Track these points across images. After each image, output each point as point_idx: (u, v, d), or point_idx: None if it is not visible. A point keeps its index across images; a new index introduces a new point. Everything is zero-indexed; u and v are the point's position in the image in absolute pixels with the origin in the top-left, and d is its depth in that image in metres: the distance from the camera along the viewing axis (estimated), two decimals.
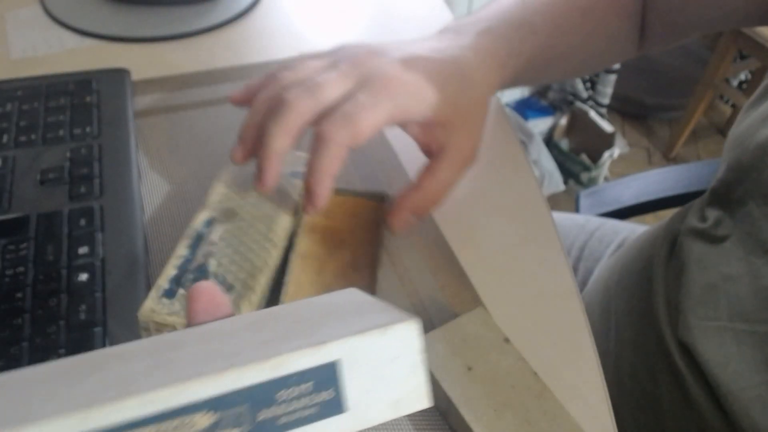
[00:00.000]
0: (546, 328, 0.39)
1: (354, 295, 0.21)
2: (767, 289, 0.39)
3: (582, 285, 0.63)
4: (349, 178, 0.47)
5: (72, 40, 0.59)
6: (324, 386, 0.16)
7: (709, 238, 0.44)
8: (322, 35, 0.62)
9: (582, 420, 0.34)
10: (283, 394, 0.15)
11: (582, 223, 0.70)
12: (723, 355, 0.41)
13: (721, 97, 2.05)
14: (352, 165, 0.48)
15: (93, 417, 0.14)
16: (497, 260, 0.43)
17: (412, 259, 0.42)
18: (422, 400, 0.17)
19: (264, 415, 0.15)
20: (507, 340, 0.36)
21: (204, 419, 0.14)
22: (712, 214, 0.45)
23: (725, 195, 0.44)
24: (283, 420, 0.15)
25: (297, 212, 0.40)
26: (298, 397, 0.15)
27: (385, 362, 0.16)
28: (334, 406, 0.16)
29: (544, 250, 0.44)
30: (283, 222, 0.39)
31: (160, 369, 0.15)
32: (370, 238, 0.41)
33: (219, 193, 0.40)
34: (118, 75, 0.52)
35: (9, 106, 0.48)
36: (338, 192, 0.43)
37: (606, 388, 0.37)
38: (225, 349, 0.16)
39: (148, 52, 0.58)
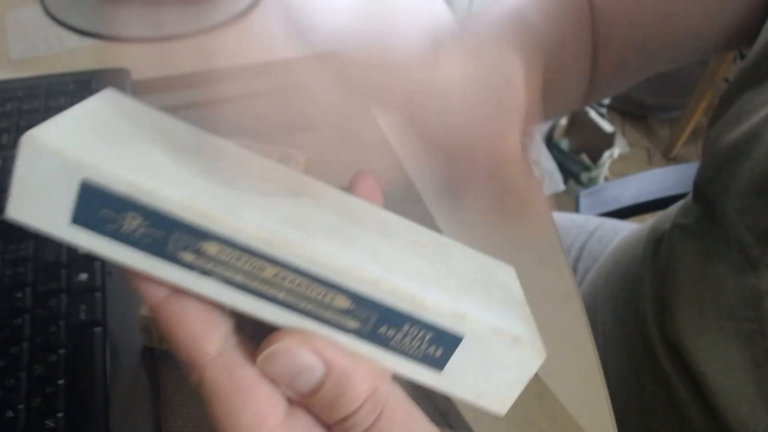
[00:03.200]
0: (546, 328, 0.39)
1: (510, 277, 0.22)
2: (751, 287, 0.39)
3: (582, 285, 0.63)
4: (348, 177, 0.47)
5: (72, 40, 0.59)
6: (439, 343, 0.17)
7: (694, 234, 0.44)
8: (321, 36, 0.62)
9: (582, 420, 0.34)
10: (407, 328, 0.17)
11: (582, 223, 0.70)
12: (711, 353, 0.41)
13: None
14: (352, 164, 0.48)
15: (276, 245, 0.16)
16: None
17: None
18: (500, 408, 0.18)
19: (383, 330, 0.17)
20: None
21: (343, 302, 0.17)
22: (695, 211, 0.45)
23: (704, 192, 0.44)
24: (392, 343, 0.17)
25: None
26: (416, 337, 0.17)
27: (496, 363, 0.18)
28: (434, 363, 0.18)
29: (544, 250, 0.44)
30: None
31: (339, 239, 0.18)
32: None
33: None
34: (118, 75, 0.52)
35: (9, 106, 0.48)
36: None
37: (606, 389, 0.37)
38: (390, 258, 0.18)
39: (148, 52, 0.58)
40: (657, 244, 0.49)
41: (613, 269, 0.54)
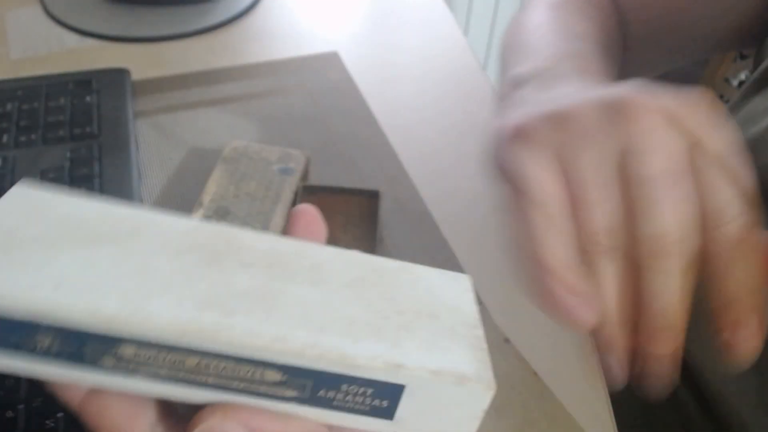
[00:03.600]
0: (546, 328, 0.39)
1: (462, 292, 0.21)
2: None
3: None
4: (348, 176, 0.47)
5: (72, 40, 0.59)
6: (383, 396, 0.17)
7: None
8: (321, 36, 0.62)
9: (582, 420, 0.34)
10: (346, 387, 0.17)
11: None
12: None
13: (721, 97, 2.05)
14: (351, 164, 0.48)
15: (190, 335, 0.16)
16: (497, 260, 0.43)
17: (410, 258, 0.42)
18: None
19: (323, 393, 0.17)
20: (507, 340, 0.36)
21: (274, 376, 0.17)
22: None
23: None
24: (336, 403, 0.17)
25: (290, 209, 0.40)
26: (357, 394, 0.17)
27: (445, 403, 0.17)
28: (383, 413, 0.17)
29: None
30: (277, 219, 0.39)
31: (262, 307, 0.18)
32: (364, 236, 0.41)
33: (212, 192, 0.40)
34: (118, 75, 0.52)
35: (9, 106, 0.48)
36: (332, 190, 0.43)
37: (606, 389, 0.37)
38: (320, 313, 0.18)
39: (148, 52, 0.58)
40: None
41: None
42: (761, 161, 0.38)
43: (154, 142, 0.49)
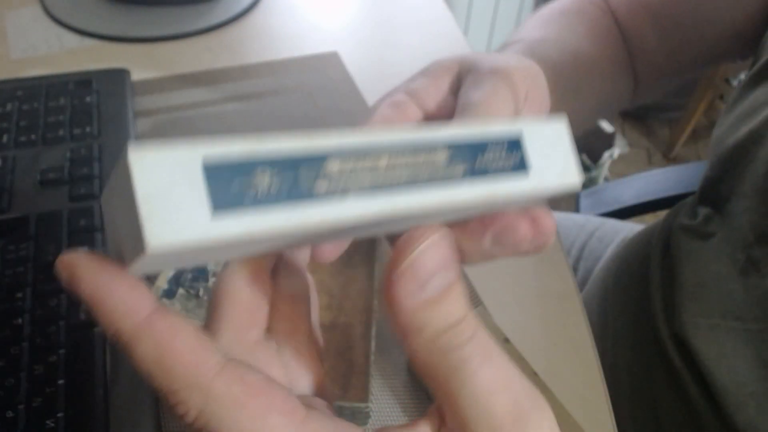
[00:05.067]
0: (546, 328, 0.39)
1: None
2: (755, 287, 0.39)
3: (582, 285, 0.63)
4: None
5: (72, 40, 0.59)
6: (514, 150, 0.21)
7: (699, 235, 0.45)
8: (321, 36, 0.62)
9: (582, 420, 0.34)
10: (490, 149, 0.20)
11: (582, 223, 0.70)
12: (717, 352, 0.41)
13: (721, 97, 2.05)
14: None
15: (375, 134, 0.18)
16: (497, 260, 0.43)
17: None
18: (577, 175, 0.22)
19: (479, 161, 0.20)
20: (507, 340, 0.36)
21: (443, 156, 0.19)
22: (702, 211, 0.46)
23: (711, 192, 0.45)
24: (490, 168, 0.20)
25: None
26: (499, 155, 0.20)
27: (549, 142, 0.22)
28: (521, 166, 0.21)
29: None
30: None
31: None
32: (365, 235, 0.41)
33: None
34: (118, 75, 0.52)
35: (9, 106, 0.48)
36: None
37: (606, 388, 0.37)
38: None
39: (148, 52, 0.58)
40: (665, 245, 0.49)
41: (624, 268, 0.54)
42: (759, 157, 0.39)
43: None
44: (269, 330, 0.21)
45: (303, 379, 0.21)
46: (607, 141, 1.67)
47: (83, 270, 0.16)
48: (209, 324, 0.19)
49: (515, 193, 0.21)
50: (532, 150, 0.21)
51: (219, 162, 0.16)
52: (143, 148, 0.15)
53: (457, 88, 0.29)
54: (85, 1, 0.63)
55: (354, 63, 0.58)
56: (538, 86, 0.29)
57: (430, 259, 0.18)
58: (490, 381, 0.17)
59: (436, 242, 0.18)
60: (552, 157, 0.22)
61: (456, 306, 0.18)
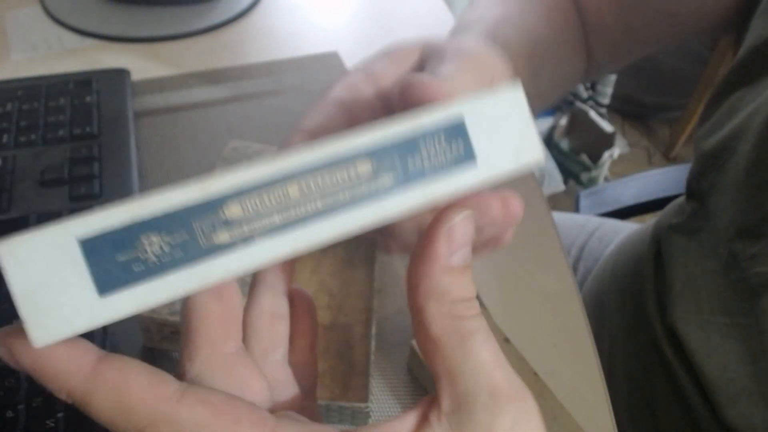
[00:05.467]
0: (546, 328, 0.39)
1: None
2: (742, 281, 0.39)
3: (582, 285, 0.63)
4: None
5: (72, 40, 0.59)
6: (455, 139, 0.18)
7: (686, 230, 0.45)
8: (321, 36, 0.62)
9: (582, 420, 0.34)
10: (424, 145, 0.17)
11: (582, 223, 0.70)
12: (708, 347, 0.41)
13: None
14: None
15: (279, 162, 0.16)
16: (497, 260, 0.43)
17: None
18: (537, 151, 0.19)
19: (412, 163, 0.17)
20: (507, 340, 0.36)
21: (365, 167, 0.17)
22: (688, 207, 0.46)
23: (696, 187, 0.45)
24: (427, 168, 0.18)
25: None
26: (436, 149, 0.18)
27: (500, 119, 0.19)
28: (467, 156, 0.18)
29: (544, 250, 0.44)
30: None
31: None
32: (365, 234, 0.41)
33: None
34: (118, 75, 0.52)
35: (9, 106, 0.48)
36: None
37: (606, 388, 0.37)
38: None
39: (148, 52, 0.58)
40: (658, 243, 0.49)
41: (620, 267, 0.55)
42: (740, 151, 0.39)
43: (154, 142, 0.49)
44: (245, 343, 0.21)
45: (289, 386, 0.21)
46: (607, 141, 1.67)
47: (18, 344, 0.15)
48: (184, 343, 0.19)
49: (464, 189, 0.18)
50: (477, 133, 0.18)
51: (96, 237, 0.14)
52: (12, 241, 0.14)
53: (420, 70, 0.28)
54: (85, 1, 0.63)
55: (354, 63, 0.58)
56: (502, 73, 0.29)
57: (463, 230, 0.18)
58: (492, 355, 0.18)
59: (468, 217, 0.19)
60: (505, 136, 0.19)
61: (471, 284, 0.19)
